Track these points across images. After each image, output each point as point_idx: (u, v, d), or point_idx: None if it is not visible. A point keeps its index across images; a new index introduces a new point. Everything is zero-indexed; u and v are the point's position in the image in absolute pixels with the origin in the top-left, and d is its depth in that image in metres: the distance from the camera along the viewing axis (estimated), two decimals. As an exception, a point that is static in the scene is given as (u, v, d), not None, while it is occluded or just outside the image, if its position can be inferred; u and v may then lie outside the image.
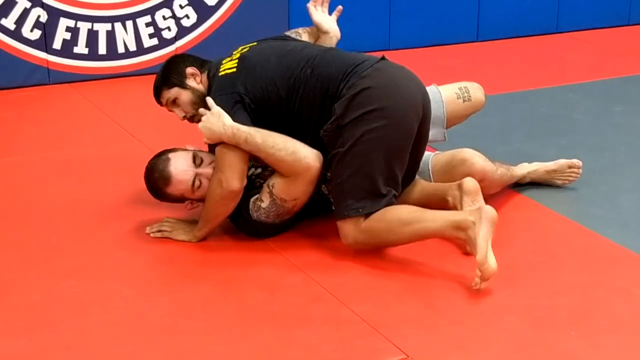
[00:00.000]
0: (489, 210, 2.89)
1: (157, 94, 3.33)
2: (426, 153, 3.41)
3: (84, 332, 2.65)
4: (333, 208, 3.09)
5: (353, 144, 3.00)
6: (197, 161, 3.17)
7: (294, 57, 3.18)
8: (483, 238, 2.83)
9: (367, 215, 3.00)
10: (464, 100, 3.62)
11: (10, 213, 3.48)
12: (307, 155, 3.05)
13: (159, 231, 3.25)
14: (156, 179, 3.18)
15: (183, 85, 3.27)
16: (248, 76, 3.14)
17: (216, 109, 3.08)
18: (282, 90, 3.12)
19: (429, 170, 3.43)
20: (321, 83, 3.10)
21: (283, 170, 3.07)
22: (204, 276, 3.00)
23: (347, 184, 3.02)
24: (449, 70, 5.54)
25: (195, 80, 3.27)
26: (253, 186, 3.21)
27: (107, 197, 3.61)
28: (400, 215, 3.00)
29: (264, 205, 3.13)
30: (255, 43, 3.34)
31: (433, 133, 3.54)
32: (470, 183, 3.20)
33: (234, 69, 3.17)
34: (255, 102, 3.11)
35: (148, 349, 2.57)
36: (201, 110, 3.14)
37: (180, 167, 3.15)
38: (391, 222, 2.99)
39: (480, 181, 3.29)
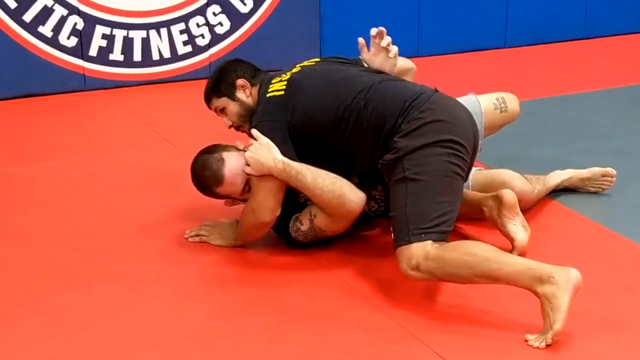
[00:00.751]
0: (576, 275, 2.66)
1: (207, 100, 3.38)
2: None
3: (122, 334, 2.73)
4: (393, 234, 2.92)
5: (418, 172, 2.90)
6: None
7: (346, 86, 3.11)
8: (565, 304, 2.62)
9: (436, 241, 2.83)
10: (500, 111, 3.65)
11: (48, 218, 3.57)
12: (353, 200, 3.05)
13: (197, 235, 3.32)
14: (207, 177, 3.17)
15: (232, 97, 3.29)
16: (296, 101, 3.10)
17: (265, 140, 3.05)
18: (330, 120, 3.06)
19: (468, 187, 3.44)
20: (376, 117, 3.02)
21: (326, 211, 3.08)
22: (242, 280, 3.08)
23: (413, 208, 2.87)
24: (478, 77, 5.60)
25: (245, 93, 3.28)
26: (296, 200, 3.23)
27: (144, 202, 3.69)
28: (476, 249, 2.79)
29: (303, 228, 3.17)
30: (312, 62, 3.32)
31: None
32: (509, 196, 3.19)
33: (282, 92, 3.14)
34: (300, 130, 3.09)
35: (186, 352, 2.64)
36: (251, 140, 3.11)
37: (234, 170, 3.13)
38: (467, 254, 2.75)
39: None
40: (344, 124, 3.06)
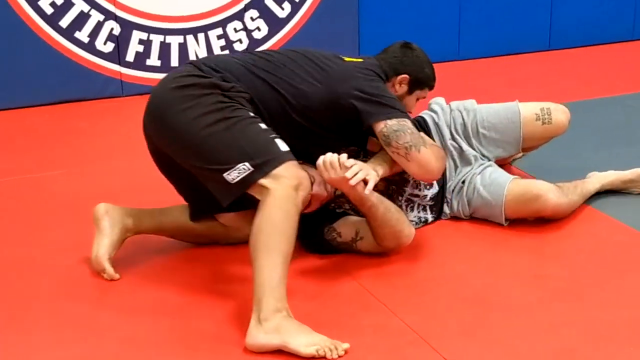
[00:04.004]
0: None
1: None
2: (504, 175, 3.39)
3: (133, 341, 2.70)
4: None
5: None
6: (311, 181, 2.91)
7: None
8: None
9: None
10: (543, 123, 3.51)
11: (85, 221, 3.51)
12: (408, 235, 3.07)
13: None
14: None
15: None
16: None
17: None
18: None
19: (503, 196, 3.32)
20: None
21: (379, 239, 3.05)
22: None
23: None
24: (519, 80, 5.47)
25: None
26: (328, 208, 3.16)
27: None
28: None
29: (339, 240, 3.11)
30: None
31: (505, 152, 3.55)
32: None
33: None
34: None
35: (200, 355, 2.60)
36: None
37: (316, 187, 2.98)
38: None
39: (551, 216, 3.31)
40: None
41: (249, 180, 2.70)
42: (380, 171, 2.99)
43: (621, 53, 6.15)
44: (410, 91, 3.27)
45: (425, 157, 2.97)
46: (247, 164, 2.70)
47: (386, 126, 2.97)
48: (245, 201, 2.81)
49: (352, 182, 2.83)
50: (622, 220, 3.43)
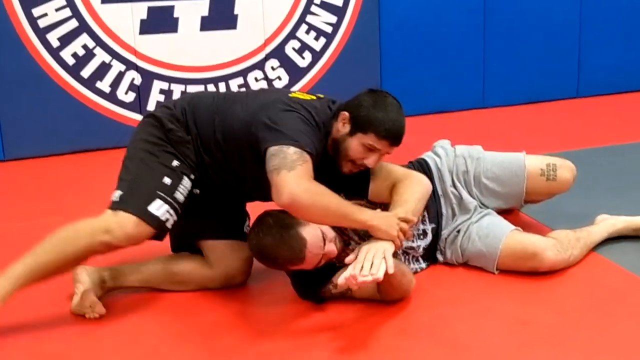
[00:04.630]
0: None
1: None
2: (502, 227, 3.30)
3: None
4: None
5: None
6: (324, 239, 2.88)
7: None
8: None
9: None
10: (547, 179, 3.43)
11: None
12: (412, 288, 3.05)
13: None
14: (282, 255, 2.84)
15: None
16: None
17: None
18: None
19: (498, 250, 3.23)
20: None
21: (383, 295, 3.00)
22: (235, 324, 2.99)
23: None
24: (544, 127, 5.39)
25: None
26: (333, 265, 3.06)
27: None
28: None
29: (334, 291, 3.04)
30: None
31: (505, 204, 3.49)
32: None
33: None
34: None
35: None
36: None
37: (314, 250, 2.84)
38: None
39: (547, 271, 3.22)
40: None
41: (111, 204, 2.98)
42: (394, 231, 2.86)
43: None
44: (351, 132, 2.99)
45: (281, 180, 2.73)
46: (120, 193, 2.98)
47: (267, 152, 2.83)
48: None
49: (368, 278, 2.72)
50: (623, 264, 3.32)
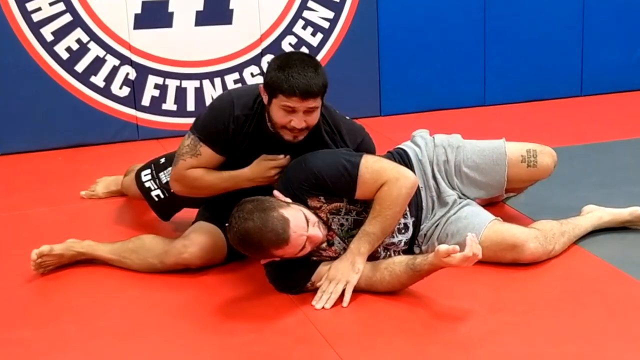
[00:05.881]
0: None
1: (316, 93, 2.95)
2: (481, 218, 3.23)
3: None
4: None
5: None
6: (307, 221, 2.87)
7: None
8: None
9: None
10: (528, 165, 3.36)
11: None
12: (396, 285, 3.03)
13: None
14: (267, 238, 2.78)
15: (323, 101, 3.06)
16: None
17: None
18: None
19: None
20: None
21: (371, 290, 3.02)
22: (190, 315, 2.95)
23: None
24: (543, 126, 5.30)
25: None
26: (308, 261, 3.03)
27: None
28: None
29: (310, 287, 3.01)
30: None
31: (487, 194, 3.42)
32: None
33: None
34: None
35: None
36: None
37: (298, 230, 2.81)
38: None
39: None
40: None
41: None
42: (362, 258, 2.98)
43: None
44: (268, 101, 3.00)
45: (173, 174, 3.24)
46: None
47: None
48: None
49: (327, 305, 2.92)
50: (601, 255, 3.25)
